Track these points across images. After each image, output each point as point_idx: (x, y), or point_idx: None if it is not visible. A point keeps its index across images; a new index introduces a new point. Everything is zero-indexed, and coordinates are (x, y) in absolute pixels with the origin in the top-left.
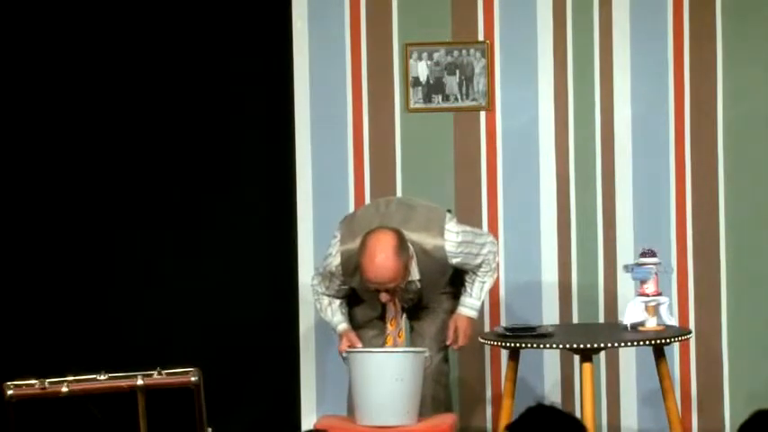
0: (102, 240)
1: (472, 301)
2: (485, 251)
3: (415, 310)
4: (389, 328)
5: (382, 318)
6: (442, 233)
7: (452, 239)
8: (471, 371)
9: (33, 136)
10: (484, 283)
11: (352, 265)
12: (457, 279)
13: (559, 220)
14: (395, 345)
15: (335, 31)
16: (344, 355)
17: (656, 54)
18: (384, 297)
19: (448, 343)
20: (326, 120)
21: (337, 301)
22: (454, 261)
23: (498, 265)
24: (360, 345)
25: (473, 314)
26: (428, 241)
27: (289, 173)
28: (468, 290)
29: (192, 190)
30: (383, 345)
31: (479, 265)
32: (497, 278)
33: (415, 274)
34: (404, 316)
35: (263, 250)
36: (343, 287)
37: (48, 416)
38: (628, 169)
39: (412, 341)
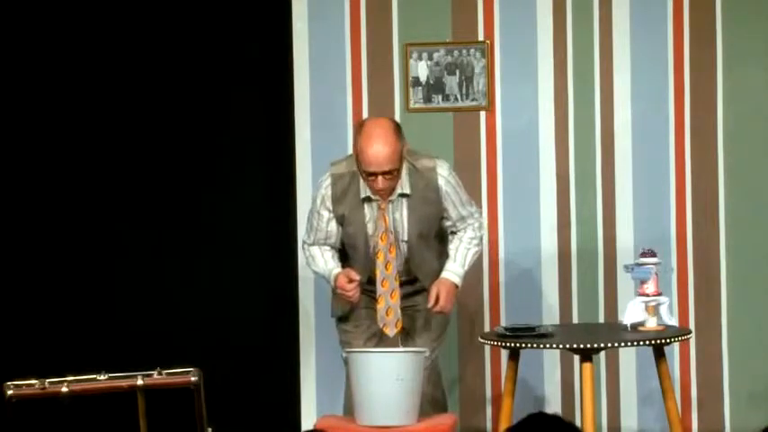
0: (101, 240)
1: (455, 267)
2: (473, 209)
3: (407, 296)
4: (381, 288)
5: (372, 282)
6: (433, 160)
7: (443, 167)
8: (471, 371)
9: (34, 137)
10: (469, 250)
11: (342, 186)
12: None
13: (559, 220)
14: (386, 305)
15: (335, 31)
16: (344, 355)
17: (656, 54)
18: (380, 183)
19: (428, 306)
20: (326, 120)
21: (327, 248)
22: (443, 189)
23: (483, 241)
24: (358, 278)
25: (456, 280)
26: (420, 162)
27: (289, 173)
28: (452, 255)
29: (192, 190)
30: (375, 306)
31: (465, 222)
32: (497, 278)
33: (406, 188)
34: (398, 301)
35: (264, 250)
36: (331, 225)
37: (48, 416)
38: (628, 169)
39: (403, 341)
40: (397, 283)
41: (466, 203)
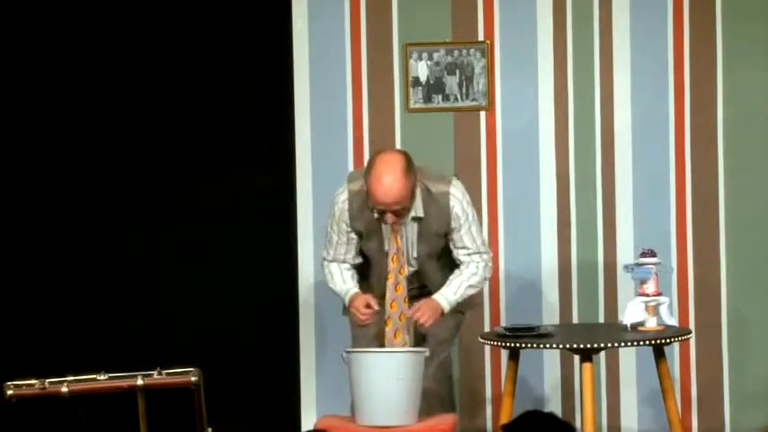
0: (101, 240)
1: (448, 293)
2: (483, 249)
3: (419, 288)
4: (390, 310)
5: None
6: (448, 183)
7: (457, 187)
8: (471, 371)
9: (33, 135)
10: (465, 282)
11: (359, 202)
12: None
13: (559, 220)
14: (395, 327)
15: (335, 31)
16: (344, 355)
17: (656, 54)
18: (390, 219)
19: (409, 314)
20: (326, 120)
21: (346, 267)
22: (453, 211)
23: (484, 284)
24: (377, 308)
25: (444, 304)
26: (434, 185)
27: (289, 173)
28: (449, 281)
29: (193, 191)
30: (384, 329)
31: (470, 257)
32: (497, 278)
33: (419, 211)
34: (406, 311)
35: (264, 250)
36: (350, 237)
37: (48, 416)
38: (628, 169)
39: (414, 339)
40: (405, 305)
41: (476, 236)
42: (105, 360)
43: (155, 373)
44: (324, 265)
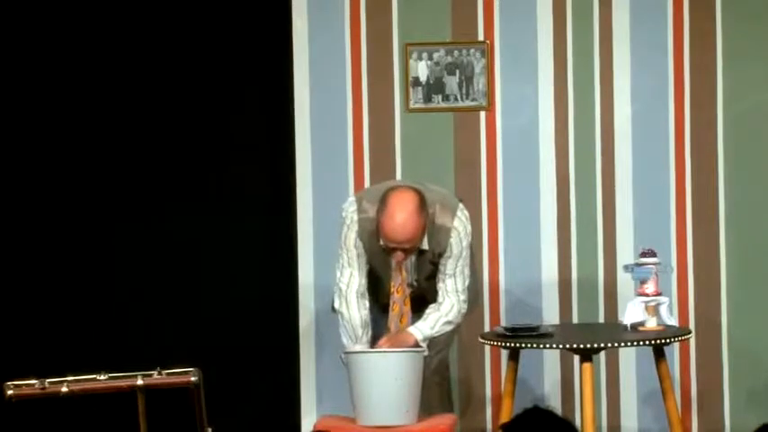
0: (101, 239)
1: (424, 328)
2: (461, 290)
3: (418, 304)
4: (396, 295)
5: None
6: (453, 216)
7: (462, 223)
8: (471, 371)
9: (32, 133)
10: (444, 318)
11: (370, 229)
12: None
13: (559, 220)
14: (401, 312)
15: (335, 31)
16: (342, 356)
17: (656, 53)
18: (399, 257)
19: (380, 343)
20: (326, 120)
21: (356, 302)
22: (452, 240)
23: (457, 323)
24: None
25: (418, 336)
26: (440, 217)
27: (288, 173)
28: (427, 314)
29: (192, 191)
30: (389, 313)
31: (447, 293)
32: (497, 278)
33: (424, 244)
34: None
35: (264, 251)
36: (360, 252)
37: (48, 416)
38: (628, 169)
39: None
40: (407, 291)
41: (460, 272)
42: (105, 360)
43: (155, 373)
44: (334, 306)
